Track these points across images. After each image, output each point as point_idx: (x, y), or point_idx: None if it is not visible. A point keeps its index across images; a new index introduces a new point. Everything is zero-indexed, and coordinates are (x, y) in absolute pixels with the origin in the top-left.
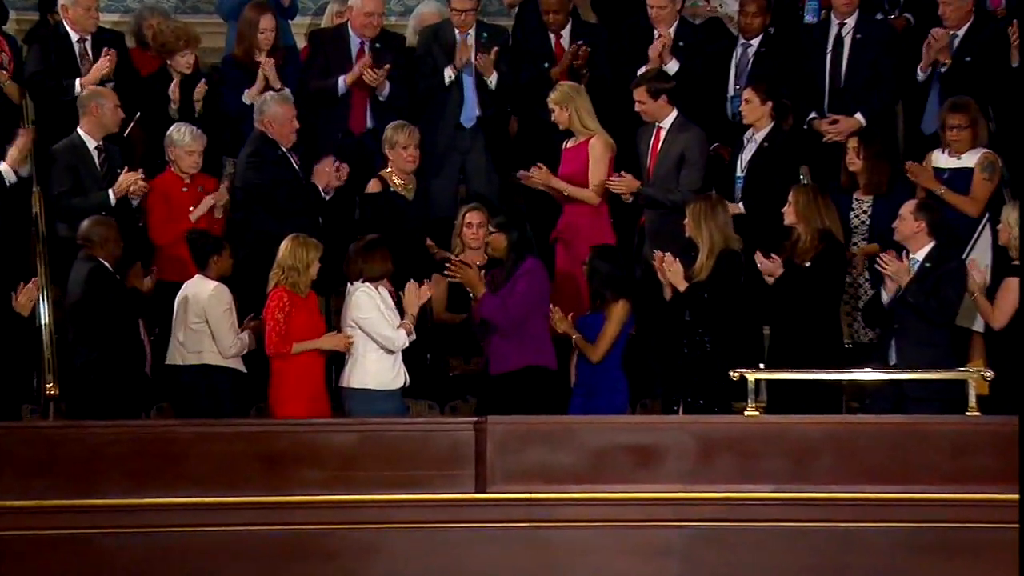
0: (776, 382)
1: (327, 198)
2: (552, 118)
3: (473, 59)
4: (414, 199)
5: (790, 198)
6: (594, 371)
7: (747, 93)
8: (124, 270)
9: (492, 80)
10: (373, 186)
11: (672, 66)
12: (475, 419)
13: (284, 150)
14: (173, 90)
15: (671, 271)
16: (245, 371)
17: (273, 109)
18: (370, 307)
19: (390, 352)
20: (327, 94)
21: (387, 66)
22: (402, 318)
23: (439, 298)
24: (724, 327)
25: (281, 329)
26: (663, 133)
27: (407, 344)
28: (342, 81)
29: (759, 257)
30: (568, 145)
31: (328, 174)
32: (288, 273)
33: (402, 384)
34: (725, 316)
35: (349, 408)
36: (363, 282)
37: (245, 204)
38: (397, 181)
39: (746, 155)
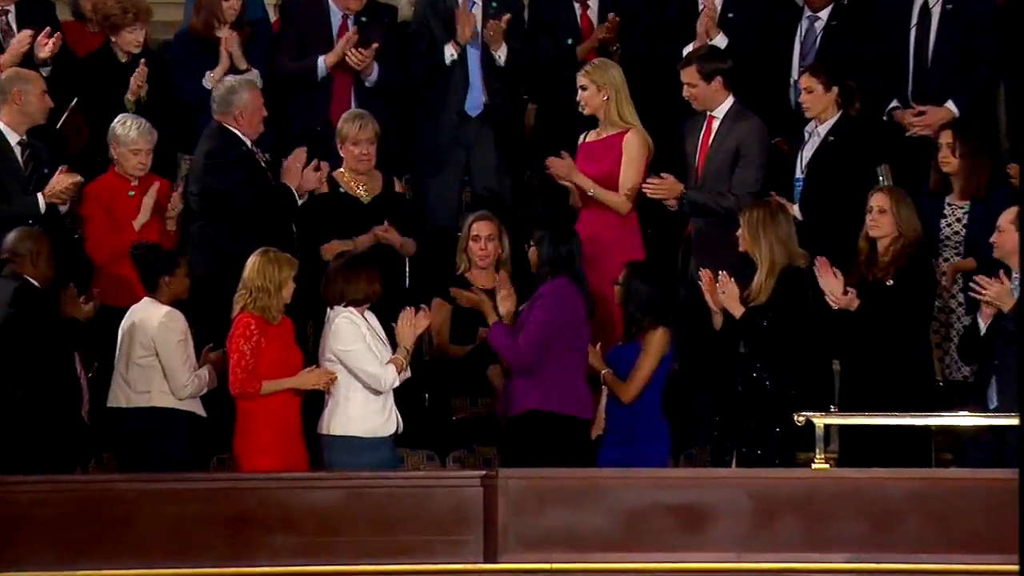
0: (850, 428)
1: (301, 202)
2: (578, 98)
3: (479, 27)
4: (373, 202)
5: (883, 205)
6: (628, 414)
7: (805, 80)
8: (57, 292)
9: (501, 55)
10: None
11: (719, 41)
12: (483, 472)
13: (249, 145)
14: (137, 77)
15: (724, 293)
16: (204, 415)
17: (244, 97)
18: (353, 337)
19: (378, 392)
20: (303, 78)
21: (375, 45)
22: (394, 351)
23: (441, 325)
24: (787, 361)
25: (248, 363)
26: (716, 124)
27: (397, 383)
28: (322, 62)
29: (828, 284)
30: (589, 139)
31: (299, 171)
32: (256, 295)
33: (394, 430)
34: (788, 347)
35: (330, 459)
36: (345, 307)
37: (204, 213)
38: (351, 182)
39: (807, 151)
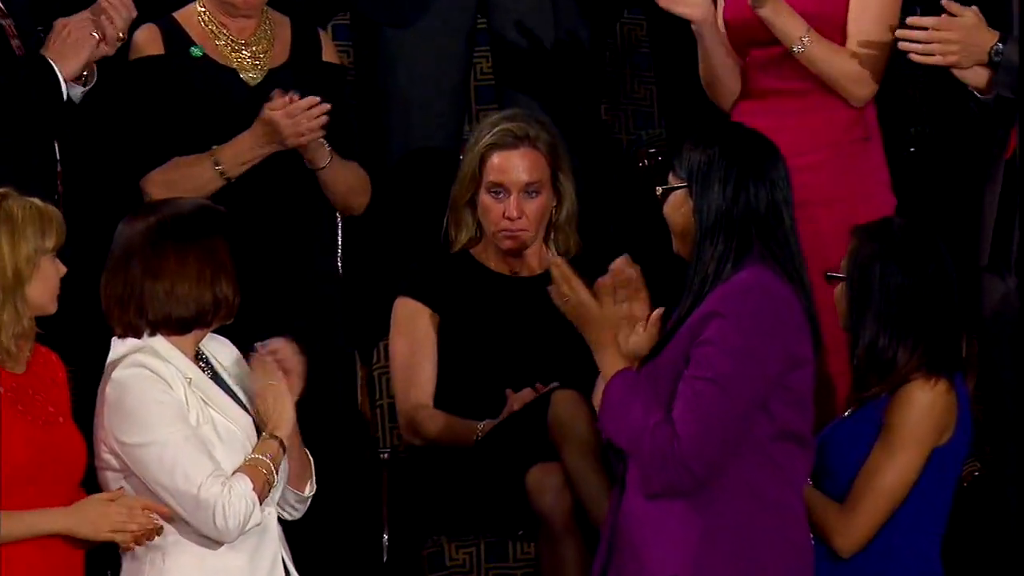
0: None
1: (81, 92)
2: None
3: None
4: (267, 82)
5: None
6: (862, 569)
7: None
8: None
9: None
10: (144, 42)
11: None
12: None
13: None
14: None
15: None
16: None
17: None
18: (151, 412)
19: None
20: None
21: None
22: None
23: (417, 369)
24: None
25: None
26: None
27: (258, 520)
28: None
29: None
30: None
31: (93, 45)
32: None
33: None
34: None
35: None
36: (149, 335)
37: None
38: (218, 40)
39: None
